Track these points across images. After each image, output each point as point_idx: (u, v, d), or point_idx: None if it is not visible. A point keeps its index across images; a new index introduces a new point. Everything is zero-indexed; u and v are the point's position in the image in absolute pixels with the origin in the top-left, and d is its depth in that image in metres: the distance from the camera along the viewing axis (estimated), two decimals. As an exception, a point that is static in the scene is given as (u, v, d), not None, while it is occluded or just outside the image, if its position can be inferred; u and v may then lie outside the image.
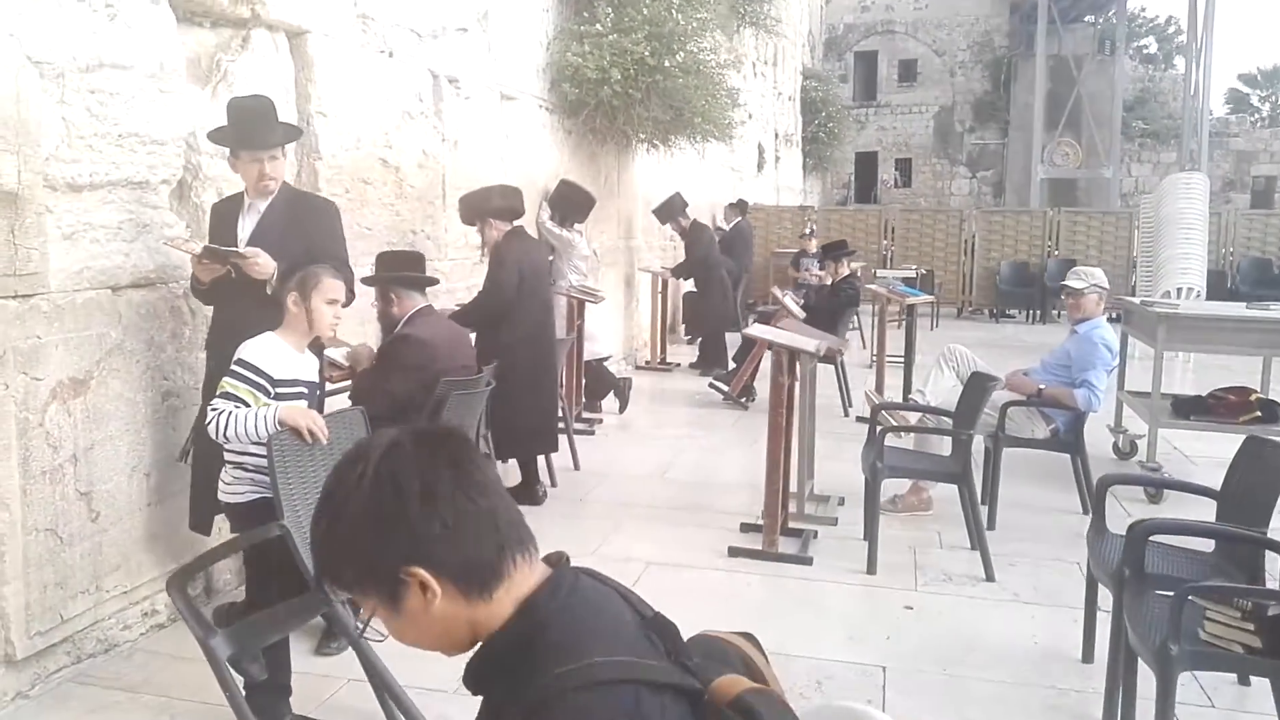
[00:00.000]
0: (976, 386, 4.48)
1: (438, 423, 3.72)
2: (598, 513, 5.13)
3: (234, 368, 2.87)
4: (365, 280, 4.12)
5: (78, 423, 3.31)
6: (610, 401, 7.68)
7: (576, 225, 7.56)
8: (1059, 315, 15.66)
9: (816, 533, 4.79)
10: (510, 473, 5.30)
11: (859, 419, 7.59)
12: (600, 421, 7.27)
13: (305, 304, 3.00)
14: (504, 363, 4.99)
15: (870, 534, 4.36)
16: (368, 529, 1.17)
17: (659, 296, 9.93)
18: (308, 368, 3.09)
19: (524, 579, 1.23)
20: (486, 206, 5.09)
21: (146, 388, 3.62)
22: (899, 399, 7.55)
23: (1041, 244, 15.26)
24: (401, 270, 4.00)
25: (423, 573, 1.17)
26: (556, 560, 1.29)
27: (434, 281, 4.19)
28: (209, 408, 2.86)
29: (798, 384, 4.86)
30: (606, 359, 7.73)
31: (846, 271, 7.95)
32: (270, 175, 3.50)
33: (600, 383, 7.66)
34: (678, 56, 7.83)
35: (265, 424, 2.74)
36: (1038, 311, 15.24)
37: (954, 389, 5.11)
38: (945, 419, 4.79)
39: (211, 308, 3.66)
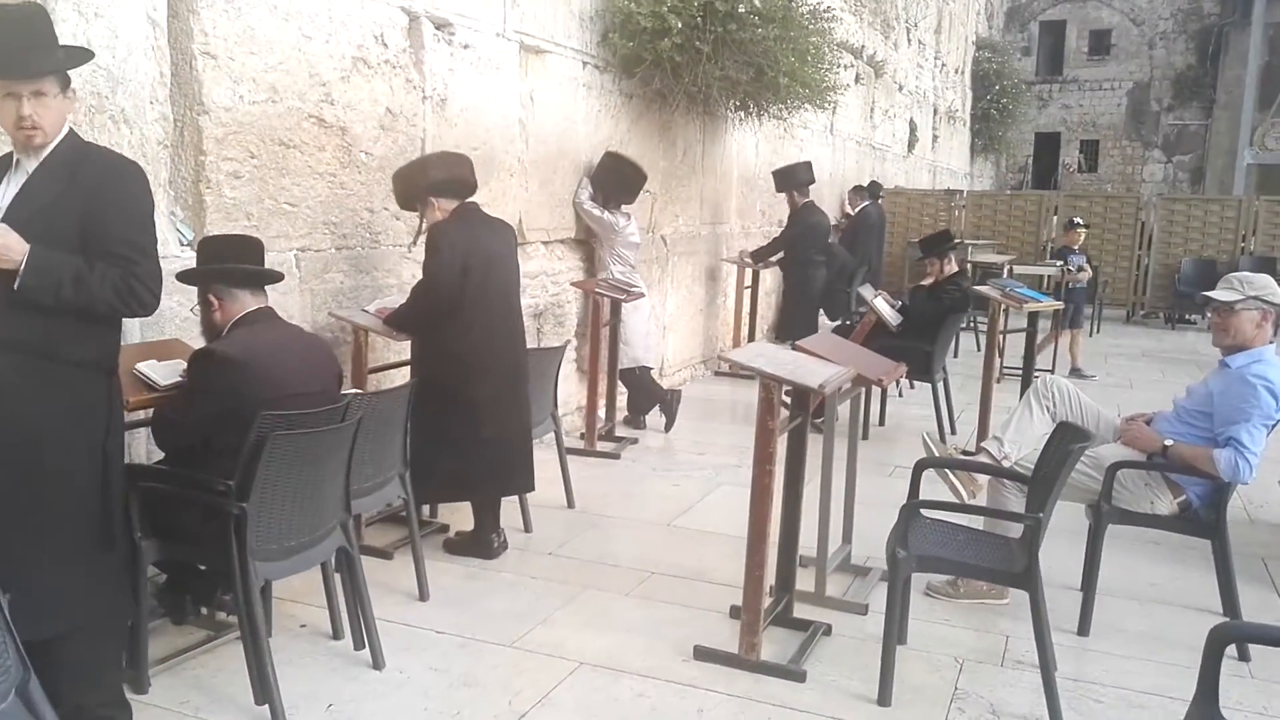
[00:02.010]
0: (1059, 447, 3.08)
1: (254, 472, 2.68)
2: (560, 575, 3.99)
3: None
4: (181, 277, 3.10)
5: None
6: (656, 418, 6.51)
7: (624, 206, 6.42)
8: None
9: (829, 628, 3.50)
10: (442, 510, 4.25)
11: (963, 453, 6.15)
12: (635, 442, 6.11)
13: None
14: (444, 380, 3.93)
15: (886, 648, 3.04)
16: None
17: (744, 291, 8.63)
18: None
19: None
20: (422, 180, 4.00)
21: None
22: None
23: (1234, 238, 12.98)
24: (225, 261, 2.97)
25: None
26: None
27: (274, 276, 3.14)
28: None
29: (816, 425, 3.58)
30: (649, 368, 6.54)
31: (953, 269, 6.45)
32: (32, 121, 2.44)
33: (643, 395, 6.50)
34: (755, 1, 6.53)
35: None
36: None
37: (1046, 438, 3.67)
38: (1021, 485, 3.41)
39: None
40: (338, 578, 3.26)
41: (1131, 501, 3.56)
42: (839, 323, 9.83)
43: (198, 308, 3.09)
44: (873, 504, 4.83)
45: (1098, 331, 12.09)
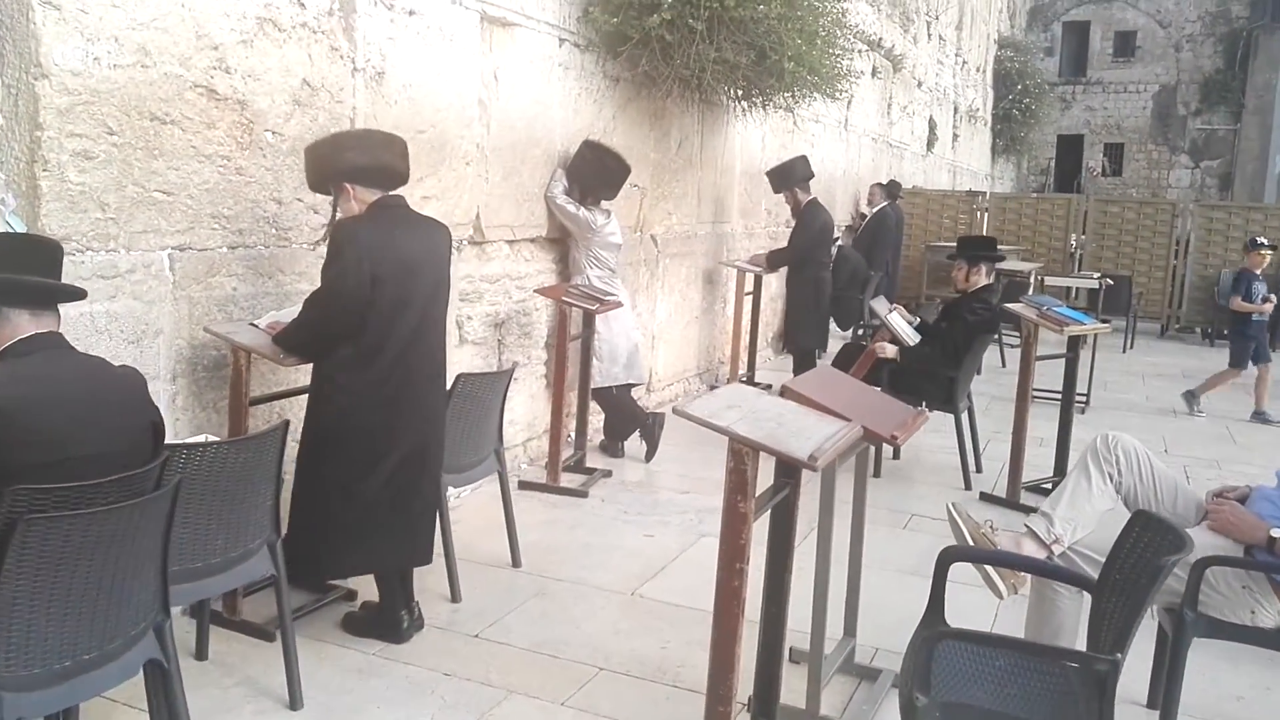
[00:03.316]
0: (1139, 551, 2.24)
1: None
2: (482, 670, 3.15)
3: None
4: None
5: None
6: (636, 444, 5.68)
7: (604, 202, 5.60)
8: (1299, 342, 12.43)
9: (823, 768, 2.68)
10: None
11: (987, 497, 5.32)
12: (608, 475, 5.28)
13: None
14: (335, 418, 3.12)
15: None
16: None
17: (745, 298, 7.79)
18: None
19: None
20: (335, 163, 3.18)
21: None
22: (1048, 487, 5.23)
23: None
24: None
25: None
26: None
27: (67, 292, 2.29)
28: None
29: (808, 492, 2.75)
30: (632, 386, 5.71)
31: (983, 282, 5.58)
32: None
33: (621, 419, 5.67)
34: (757, -26, 5.70)
35: None
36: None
37: (1113, 514, 2.84)
38: (1082, 588, 2.57)
39: None
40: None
41: (1225, 609, 2.71)
42: (850, 331, 9.01)
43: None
44: (884, 568, 4.04)
45: (1131, 348, 11.20)
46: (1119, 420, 7.48)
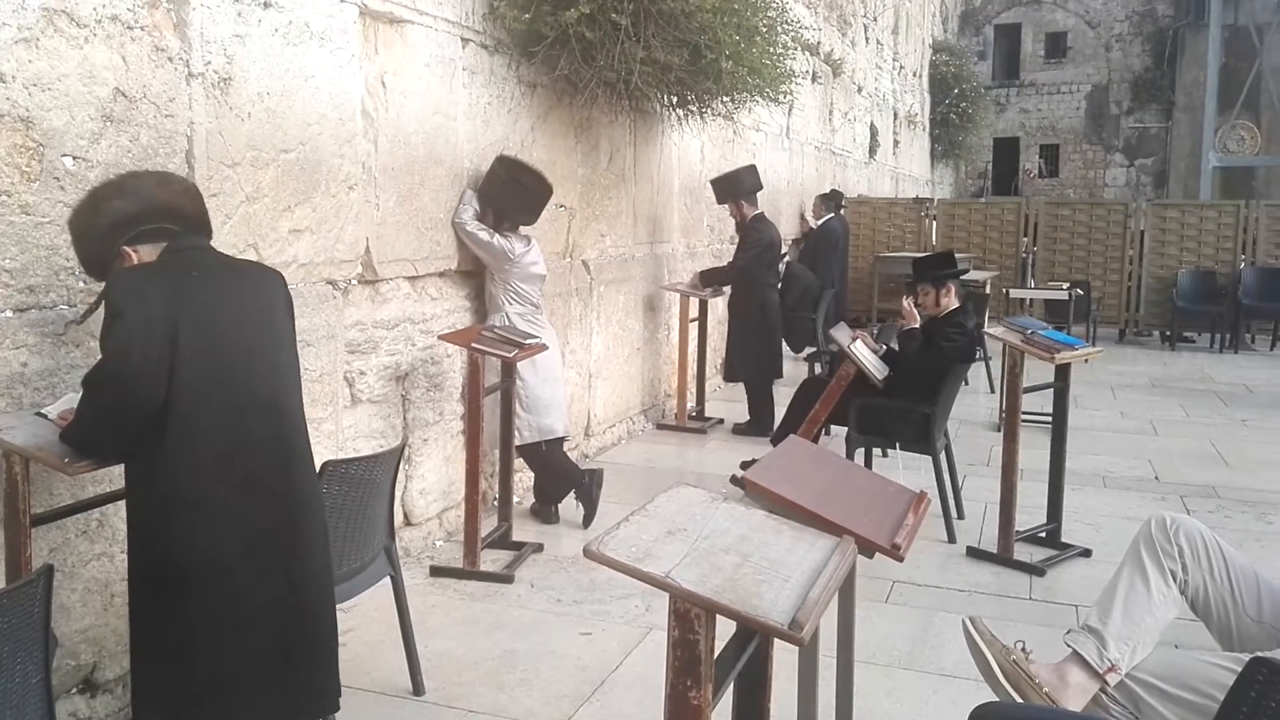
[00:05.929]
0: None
1: None
2: None
3: None
4: None
5: None
6: (571, 507, 4.91)
7: (523, 227, 4.83)
8: (1253, 340, 12.06)
9: None
10: None
11: (975, 553, 4.63)
12: (539, 549, 4.49)
13: None
14: (153, 534, 2.30)
15: None
16: None
17: (691, 325, 7.07)
18: None
19: None
20: (99, 221, 2.37)
21: None
22: (1044, 534, 4.55)
23: (1234, 247, 11.70)
24: None
25: None
26: None
27: None
28: None
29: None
30: (560, 439, 4.93)
31: (954, 304, 4.92)
32: None
33: (553, 479, 4.89)
34: (688, -38, 5.00)
35: None
36: (1227, 335, 11.68)
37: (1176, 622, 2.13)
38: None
39: None
40: None
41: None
42: (805, 357, 8.34)
43: None
44: (870, 661, 3.35)
45: (1092, 357, 10.68)
46: (1097, 442, 6.88)
